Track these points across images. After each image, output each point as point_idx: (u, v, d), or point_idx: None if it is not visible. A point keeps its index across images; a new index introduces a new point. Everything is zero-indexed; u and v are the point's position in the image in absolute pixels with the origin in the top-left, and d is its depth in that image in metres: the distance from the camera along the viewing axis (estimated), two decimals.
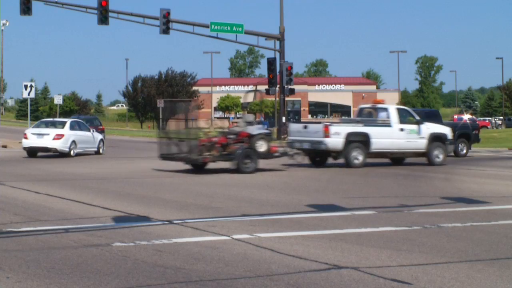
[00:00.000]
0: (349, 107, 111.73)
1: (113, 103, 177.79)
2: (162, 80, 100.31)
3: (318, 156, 25.01)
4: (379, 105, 26.33)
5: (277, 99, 60.24)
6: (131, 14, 46.29)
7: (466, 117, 66.73)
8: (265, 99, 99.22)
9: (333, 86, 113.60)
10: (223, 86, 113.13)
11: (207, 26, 46.44)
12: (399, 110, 25.76)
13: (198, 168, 22.51)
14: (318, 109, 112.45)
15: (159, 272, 7.61)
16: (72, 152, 31.31)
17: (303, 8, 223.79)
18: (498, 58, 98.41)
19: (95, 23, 42.93)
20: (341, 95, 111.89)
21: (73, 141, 31.46)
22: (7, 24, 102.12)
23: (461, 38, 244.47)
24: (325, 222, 11.39)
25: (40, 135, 31.03)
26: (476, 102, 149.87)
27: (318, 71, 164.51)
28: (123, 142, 48.51)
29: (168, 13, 44.31)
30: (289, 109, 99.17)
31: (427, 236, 10.02)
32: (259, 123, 25.66)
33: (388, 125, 24.74)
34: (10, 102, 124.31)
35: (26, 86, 39.88)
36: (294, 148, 24.01)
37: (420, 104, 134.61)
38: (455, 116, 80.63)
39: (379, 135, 24.19)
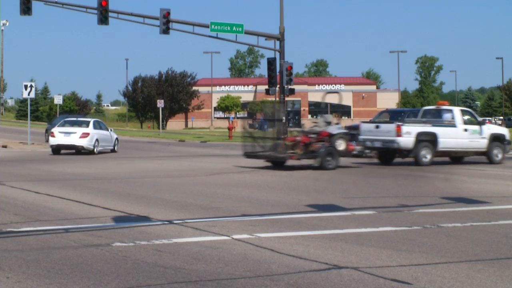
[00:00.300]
0: (349, 107, 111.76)
1: (112, 103, 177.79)
2: (162, 80, 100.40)
3: (387, 155, 26.13)
4: (444, 107, 27.58)
5: (277, 99, 60.27)
6: (131, 14, 46.25)
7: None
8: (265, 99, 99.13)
9: (333, 86, 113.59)
10: (223, 86, 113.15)
11: (207, 26, 46.41)
12: (462, 111, 26.92)
13: (278, 165, 23.95)
14: (318, 109, 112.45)
15: (159, 272, 7.61)
16: (95, 150, 33.04)
17: (303, 8, 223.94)
18: (498, 58, 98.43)
19: (95, 23, 42.89)
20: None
21: (97, 139, 33.29)
22: (7, 24, 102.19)
23: (461, 38, 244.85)
24: (325, 222, 11.38)
25: (67, 133, 32.81)
26: (477, 103, 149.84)
27: (318, 71, 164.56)
28: (123, 142, 48.44)
29: (168, 13, 44.29)
30: (289, 109, 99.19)
31: (427, 236, 10.01)
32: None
33: (453, 125, 25.95)
34: (10, 102, 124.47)
35: (26, 86, 39.84)
36: (366, 147, 25.16)
37: (420, 104, 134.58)
38: None
39: (446, 135, 25.42)
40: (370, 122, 32.08)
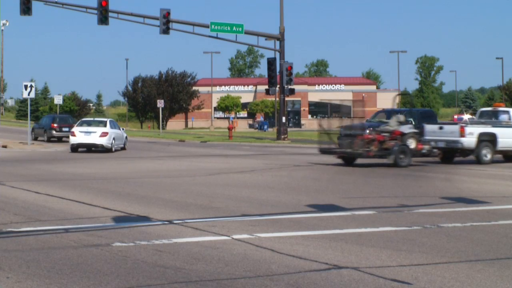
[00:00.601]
0: (349, 107, 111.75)
1: (112, 103, 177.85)
2: (162, 80, 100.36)
3: (448, 154, 27.54)
4: (501, 108, 29.35)
5: (277, 99, 60.26)
6: (131, 14, 46.30)
7: (466, 117, 66.73)
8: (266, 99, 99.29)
9: (333, 86, 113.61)
10: (223, 86, 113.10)
11: (207, 26, 46.45)
12: None
13: (349, 162, 25.55)
14: (318, 109, 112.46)
15: (159, 272, 7.61)
16: (113, 148, 35.32)
17: (303, 8, 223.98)
18: (498, 58, 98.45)
19: (95, 23, 43.00)
20: (341, 95, 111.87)
21: (113, 138, 35.49)
22: (7, 24, 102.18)
23: (461, 38, 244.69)
24: (325, 222, 11.38)
25: (88, 133, 34.96)
26: (477, 102, 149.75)
27: (318, 71, 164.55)
28: None
29: (168, 13, 44.33)
30: (289, 109, 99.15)
31: (427, 236, 10.01)
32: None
33: (510, 126, 27.52)
34: (10, 102, 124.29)
35: (26, 86, 39.81)
36: (433, 147, 26.39)
37: (420, 104, 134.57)
38: (455, 116, 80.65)
39: (504, 135, 26.91)
40: (367, 121, 32.65)
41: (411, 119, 30.80)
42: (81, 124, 36.66)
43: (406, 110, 34.26)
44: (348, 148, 25.00)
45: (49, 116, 52.57)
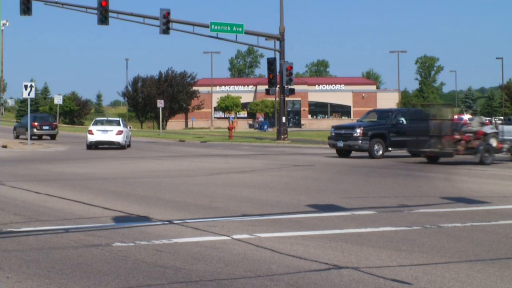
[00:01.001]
0: (349, 107, 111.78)
1: (113, 103, 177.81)
2: (162, 80, 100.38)
3: None
4: None
5: (277, 99, 60.23)
6: (131, 14, 46.30)
7: (466, 117, 66.76)
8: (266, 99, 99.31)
9: (333, 86, 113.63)
10: (223, 86, 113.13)
11: (207, 26, 46.45)
12: None
13: (434, 160, 27.21)
14: (318, 109, 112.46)
15: (159, 272, 7.61)
16: (126, 145, 37.87)
17: (303, 8, 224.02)
18: (498, 58, 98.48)
19: (95, 23, 43.01)
20: (341, 95, 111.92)
21: (126, 136, 38.09)
22: (7, 24, 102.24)
23: (461, 38, 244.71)
24: (325, 222, 11.38)
25: (105, 131, 37.48)
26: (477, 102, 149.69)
27: (318, 71, 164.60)
28: None
29: (168, 13, 44.32)
30: (289, 109, 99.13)
31: (427, 236, 10.01)
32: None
33: None
34: (10, 102, 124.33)
35: (26, 86, 39.81)
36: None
37: (420, 105, 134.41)
38: (455, 116, 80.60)
39: None
40: (358, 121, 33.08)
41: (402, 119, 30.89)
42: (96, 123, 39.15)
43: (397, 110, 34.25)
44: (437, 148, 26.65)
45: (31, 116, 54.59)
